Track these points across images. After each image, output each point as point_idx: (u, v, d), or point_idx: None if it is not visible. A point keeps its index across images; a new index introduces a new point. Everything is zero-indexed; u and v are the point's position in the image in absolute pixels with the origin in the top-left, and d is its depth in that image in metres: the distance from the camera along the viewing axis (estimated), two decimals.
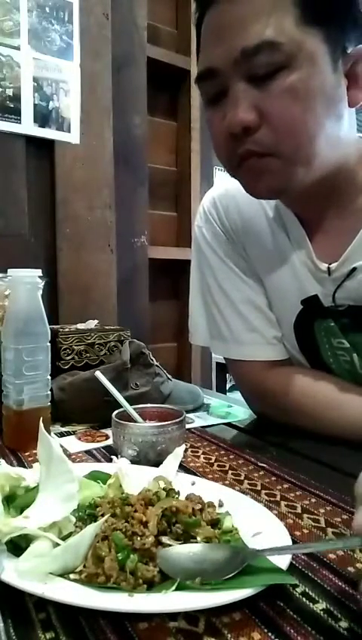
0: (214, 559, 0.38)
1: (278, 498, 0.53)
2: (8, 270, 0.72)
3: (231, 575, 0.36)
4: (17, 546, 0.39)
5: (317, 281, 0.70)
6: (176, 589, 0.35)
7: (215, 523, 0.44)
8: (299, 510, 0.51)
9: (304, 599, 0.36)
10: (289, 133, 0.57)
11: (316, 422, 0.72)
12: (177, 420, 0.65)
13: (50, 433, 0.45)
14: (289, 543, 0.40)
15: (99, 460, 0.66)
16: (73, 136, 1.35)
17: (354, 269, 0.65)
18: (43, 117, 1.29)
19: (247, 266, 0.79)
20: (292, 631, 0.33)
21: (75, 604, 0.33)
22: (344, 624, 0.34)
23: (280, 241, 0.74)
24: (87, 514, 0.44)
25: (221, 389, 2.14)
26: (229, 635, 0.33)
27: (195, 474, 0.60)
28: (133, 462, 0.58)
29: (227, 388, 2.25)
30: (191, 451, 0.69)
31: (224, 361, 0.88)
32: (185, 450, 0.66)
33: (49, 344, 0.72)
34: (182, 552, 0.39)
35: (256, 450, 0.69)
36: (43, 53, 1.28)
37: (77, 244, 1.37)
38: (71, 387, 0.81)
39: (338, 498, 0.53)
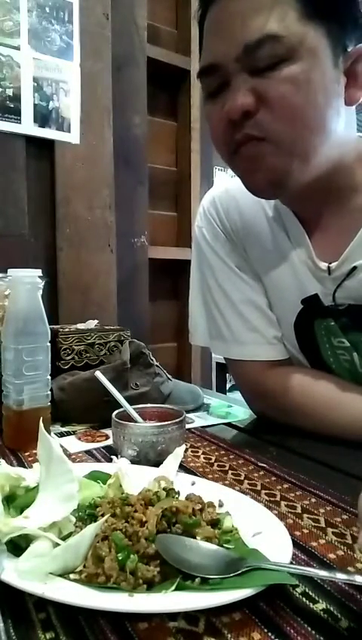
0: (215, 558, 0.38)
1: (278, 498, 0.53)
2: (8, 270, 0.72)
3: (231, 575, 0.36)
4: (17, 546, 0.39)
5: (317, 281, 0.70)
6: (176, 589, 0.35)
7: (215, 523, 0.44)
8: (299, 510, 0.51)
9: (304, 599, 0.36)
10: (287, 119, 0.57)
11: (316, 422, 0.73)
12: (177, 420, 0.65)
13: (50, 433, 0.45)
14: (290, 543, 0.40)
15: (99, 460, 0.66)
16: (73, 136, 1.35)
17: (355, 267, 0.65)
18: (43, 117, 1.29)
19: (247, 266, 0.79)
20: (292, 631, 0.33)
21: (75, 604, 0.33)
22: (344, 624, 0.34)
23: (280, 240, 0.74)
24: (87, 514, 0.44)
25: (221, 389, 2.14)
26: (229, 635, 0.33)
27: (195, 474, 0.60)
28: (133, 462, 0.58)
29: (227, 388, 2.26)
30: (191, 451, 0.69)
31: (224, 361, 0.88)
32: (185, 450, 0.66)
33: (49, 344, 0.72)
34: (183, 543, 0.39)
35: (256, 450, 0.69)
36: (43, 53, 1.28)
37: (77, 244, 1.37)
38: (71, 387, 0.81)
39: (338, 498, 0.53)
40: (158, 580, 0.36)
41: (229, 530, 0.44)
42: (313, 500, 0.53)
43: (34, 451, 0.67)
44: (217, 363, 2.00)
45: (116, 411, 0.67)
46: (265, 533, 0.42)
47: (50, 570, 0.37)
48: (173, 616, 0.34)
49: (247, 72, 0.57)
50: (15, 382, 0.69)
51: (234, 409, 0.93)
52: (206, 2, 0.60)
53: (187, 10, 1.66)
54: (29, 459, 0.65)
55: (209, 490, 0.50)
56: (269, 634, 0.33)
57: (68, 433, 0.78)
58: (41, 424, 0.45)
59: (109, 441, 0.72)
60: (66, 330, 0.94)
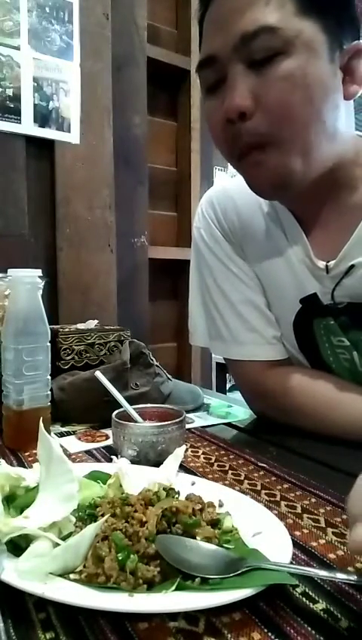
0: (215, 558, 0.38)
1: (278, 498, 0.53)
2: (8, 270, 0.72)
3: (231, 575, 0.36)
4: (17, 546, 0.39)
5: (315, 279, 0.70)
6: (176, 589, 0.35)
7: (215, 523, 0.44)
8: (299, 510, 0.51)
9: (304, 599, 0.36)
10: (284, 120, 0.57)
11: (316, 422, 0.72)
12: (177, 420, 0.65)
13: (50, 433, 0.45)
14: (290, 543, 0.40)
15: (99, 460, 0.66)
16: (73, 136, 1.35)
17: (353, 266, 0.65)
18: (43, 117, 1.29)
19: (246, 266, 0.79)
20: (292, 631, 0.33)
21: (75, 604, 0.33)
22: (344, 624, 0.34)
23: (278, 240, 0.74)
24: (87, 514, 0.44)
25: (221, 389, 2.14)
26: (229, 635, 0.33)
27: (195, 474, 0.60)
28: (133, 462, 0.58)
29: (227, 388, 2.26)
30: (191, 451, 0.69)
31: (224, 361, 0.88)
32: (185, 450, 0.66)
33: (49, 344, 0.72)
34: (183, 543, 0.39)
35: (256, 450, 0.69)
36: (43, 53, 1.28)
37: (77, 244, 1.37)
38: (71, 387, 0.81)
39: (338, 498, 0.53)
40: (158, 579, 0.36)
41: (229, 530, 0.44)
42: (313, 500, 0.53)
43: (34, 451, 0.67)
44: (217, 363, 2.00)
45: (116, 411, 0.67)
46: (265, 533, 0.42)
47: (50, 570, 0.37)
48: (173, 616, 0.34)
49: (244, 63, 0.57)
50: (15, 382, 0.69)
51: (234, 409, 0.93)
52: (205, 1, 0.61)
53: (187, 10, 1.66)
54: (29, 459, 0.65)
55: (209, 490, 0.50)
56: (269, 634, 0.33)
57: (68, 433, 0.78)
58: (41, 424, 0.45)
59: (109, 441, 0.72)
60: (66, 330, 0.94)
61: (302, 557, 0.42)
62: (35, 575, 0.36)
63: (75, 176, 1.36)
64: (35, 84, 1.28)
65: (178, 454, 0.56)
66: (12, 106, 1.24)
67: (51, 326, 0.74)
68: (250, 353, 0.79)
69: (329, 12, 0.57)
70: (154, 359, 0.90)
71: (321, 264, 0.68)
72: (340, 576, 0.36)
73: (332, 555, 0.42)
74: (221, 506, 0.48)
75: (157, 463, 0.58)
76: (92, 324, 1.04)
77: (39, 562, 0.37)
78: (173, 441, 0.63)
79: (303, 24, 0.55)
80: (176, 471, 0.54)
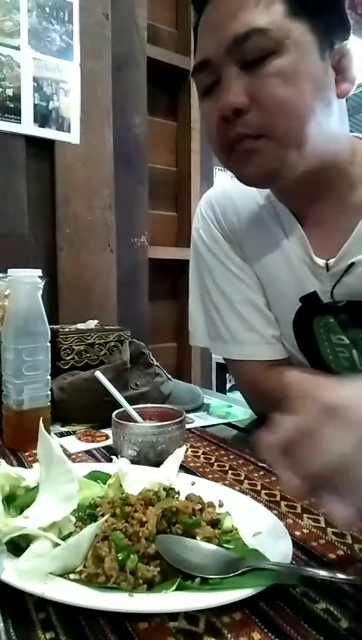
0: (215, 558, 0.38)
1: (278, 498, 0.53)
2: (8, 270, 0.72)
3: (231, 575, 0.36)
4: (17, 546, 0.39)
5: (315, 278, 0.70)
6: (176, 589, 0.35)
7: (215, 523, 0.44)
8: (298, 510, 0.51)
9: (304, 599, 0.36)
10: (278, 115, 0.58)
11: None
12: (177, 419, 0.65)
13: (50, 433, 0.45)
14: (290, 543, 0.40)
15: (99, 460, 0.66)
16: (73, 136, 1.35)
17: (352, 264, 0.65)
18: (43, 117, 1.29)
19: (246, 266, 0.79)
20: (292, 631, 0.33)
21: (75, 604, 0.33)
22: (344, 624, 0.34)
23: (278, 239, 0.74)
24: (87, 514, 0.44)
25: (221, 389, 2.14)
26: (229, 635, 0.33)
27: (195, 474, 0.60)
28: (133, 462, 0.58)
29: (227, 388, 2.25)
30: (191, 451, 0.69)
31: (224, 361, 0.88)
32: (185, 451, 0.66)
33: (49, 344, 0.72)
34: (183, 543, 0.40)
35: (256, 450, 0.68)
36: (43, 53, 1.28)
37: (77, 244, 1.37)
38: (71, 387, 0.81)
39: None
40: (158, 579, 0.36)
41: (229, 530, 0.44)
42: (313, 500, 0.53)
43: (34, 451, 0.67)
44: (217, 363, 2.00)
45: (116, 411, 0.67)
46: (265, 533, 0.42)
47: (50, 570, 0.37)
48: (173, 616, 0.34)
49: (237, 64, 0.58)
50: (15, 382, 0.69)
51: (234, 409, 0.93)
52: (199, 8, 0.63)
53: (187, 10, 1.66)
54: (29, 459, 0.65)
55: (209, 490, 0.50)
56: (269, 634, 0.33)
57: (68, 433, 0.78)
58: (41, 424, 0.45)
59: (109, 441, 0.72)
60: (66, 330, 0.94)
61: (302, 557, 0.42)
62: (35, 575, 0.36)
63: (75, 176, 1.36)
64: (35, 84, 1.28)
65: (178, 454, 0.56)
66: (12, 106, 1.24)
67: (51, 326, 0.74)
68: (249, 353, 0.79)
69: (319, 14, 0.58)
70: (154, 359, 0.90)
71: (321, 262, 0.68)
72: (340, 576, 0.36)
73: (332, 555, 0.42)
74: (221, 506, 0.48)
75: (157, 463, 0.58)
76: (92, 324, 1.04)
77: (39, 562, 0.37)
78: (173, 441, 0.63)
79: (293, 25, 0.57)
80: (176, 471, 0.54)
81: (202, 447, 0.71)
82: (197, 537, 0.41)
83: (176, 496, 0.47)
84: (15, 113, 1.25)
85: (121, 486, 0.49)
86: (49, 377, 0.73)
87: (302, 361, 0.78)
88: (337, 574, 0.36)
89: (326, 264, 0.68)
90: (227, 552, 0.40)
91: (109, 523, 0.40)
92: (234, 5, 0.58)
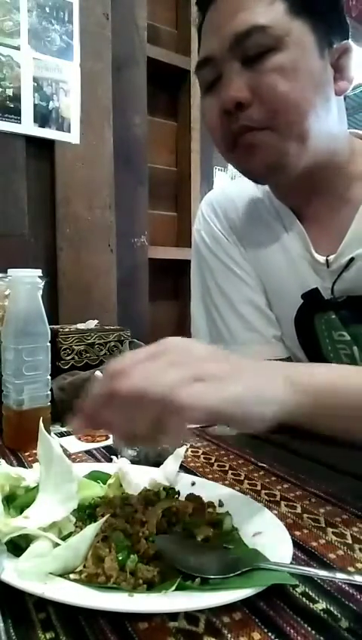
0: (215, 558, 0.38)
1: (278, 498, 0.53)
2: (8, 270, 0.72)
3: (231, 575, 0.36)
4: (17, 546, 0.39)
5: (316, 274, 0.71)
6: (176, 589, 0.35)
7: (215, 523, 0.44)
8: (299, 510, 0.51)
9: (304, 599, 0.36)
10: (279, 108, 0.60)
11: None
12: None
13: (50, 433, 0.45)
14: (290, 542, 0.40)
15: (99, 460, 0.66)
16: (73, 136, 1.35)
17: (352, 259, 0.66)
18: (43, 117, 1.29)
19: (247, 266, 0.80)
20: (292, 631, 0.33)
21: (75, 604, 0.33)
22: (344, 624, 0.34)
23: (279, 236, 0.75)
24: (87, 514, 0.44)
25: None
26: (229, 635, 0.33)
27: (195, 474, 0.60)
28: (133, 462, 0.58)
29: None
30: (191, 451, 0.69)
31: None
32: (185, 451, 0.66)
33: (49, 344, 0.72)
34: (183, 543, 0.40)
35: (256, 450, 0.68)
36: (43, 53, 1.29)
37: (77, 244, 1.37)
38: (71, 387, 0.81)
39: (338, 498, 0.53)
40: (158, 580, 0.36)
41: (229, 530, 0.44)
42: (313, 500, 0.53)
43: (34, 451, 0.67)
44: None
45: None
46: (265, 533, 0.42)
47: (50, 570, 0.37)
48: (173, 616, 0.34)
49: (238, 60, 0.60)
50: (15, 382, 0.69)
51: None
52: (203, 9, 0.65)
53: (187, 10, 1.67)
54: (29, 459, 0.65)
55: (209, 490, 0.50)
56: (269, 634, 0.33)
57: (68, 433, 0.78)
58: (41, 424, 0.45)
59: (109, 441, 0.72)
60: (66, 330, 0.94)
61: (302, 557, 0.42)
62: (35, 575, 0.36)
63: (75, 176, 1.36)
64: (35, 84, 1.28)
65: (178, 454, 0.56)
66: (12, 106, 1.24)
67: (51, 326, 0.74)
68: (250, 353, 0.79)
69: (318, 13, 0.60)
70: None
71: (321, 259, 0.69)
72: (340, 576, 0.36)
73: (332, 555, 0.42)
74: (221, 506, 0.48)
75: (157, 463, 0.58)
76: (92, 324, 1.05)
77: (39, 562, 0.37)
78: None
79: (293, 24, 0.59)
80: (176, 471, 0.54)
81: (202, 447, 0.71)
82: (197, 537, 0.41)
83: (176, 496, 0.47)
84: (15, 113, 1.25)
85: (121, 486, 0.49)
86: (49, 377, 0.73)
87: (302, 359, 0.78)
88: (337, 574, 0.36)
89: (327, 260, 0.69)
90: (227, 552, 0.40)
91: (109, 523, 0.40)
92: (235, 5, 0.60)
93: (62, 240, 1.35)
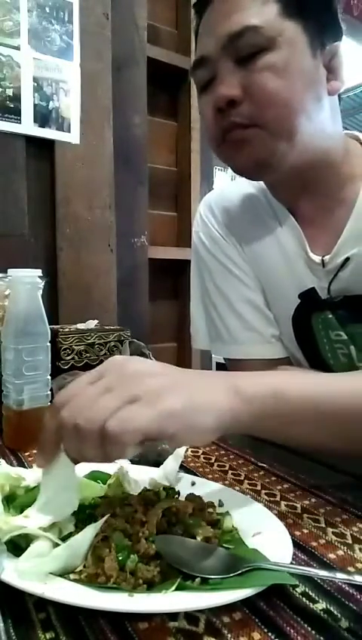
0: (215, 558, 0.38)
1: (278, 498, 0.53)
2: (8, 270, 0.72)
3: (231, 575, 0.36)
4: (17, 546, 0.39)
5: (312, 274, 0.71)
6: (176, 589, 0.35)
7: (215, 523, 0.44)
8: (299, 510, 0.51)
9: (304, 599, 0.36)
10: (269, 106, 0.61)
11: None
12: None
13: None
14: (290, 542, 0.40)
15: None
16: (73, 136, 1.35)
17: (348, 258, 0.67)
18: (43, 117, 1.29)
19: (245, 266, 0.80)
20: (292, 631, 0.33)
21: (75, 604, 0.33)
22: (344, 624, 0.34)
23: (276, 237, 0.75)
24: (87, 514, 0.44)
25: None
26: (229, 635, 0.33)
27: (195, 474, 0.60)
28: (133, 462, 0.58)
29: None
30: (191, 451, 0.69)
31: (224, 362, 0.88)
32: (185, 451, 0.66)
33: (49, 344, 0.72)
34: (183, 543, 0.40)
35: (256, 450, 0.69)
36: (43, 53, 1.28)
37: (77, 244, 1.37)
38: None
39: (338, 498, 0.53)
40: (158, 579, 0.36)
41: (229, 530, 0.44)
42: (313, 500, 0.53)
43: (34, 451, 0.67)
44: (217, 363, 1.99)
45: None
46: (265, 533, 0.42)
47: (50, 570, 0.37)
48: (173, 616, 0.34)
49: (232, 60, 0.61)
50: (15, 382, 0.69)
51: None
52: (200, 12, 0.66)
53: (187, 10, 1.66)
54: (29, 459, 0.65)
55: (209, 490, 0.50)
56: (269, 634, 0.33)
57: None
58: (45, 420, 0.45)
59: None
60: (66, 330, 0.94)
61: (302, 557, 0.42)
62: (35, 575, 0.36)
63: (75, 176, 1.36)
64: (35, 84, 1.28)
65: (178, 454, 0.56)
66: (12, 106, 1.24)
67: (51, 326, 0.74)
68: (249, 352, 0.79)
69: (312, 14, 0.61)
70: (154, 359, 0.90)
71: (317, 258, 0.70)
72: (340, 576, 0.36)
73: (332, 555, 0.42)
74: (221, 505, 0.48)
75: (157, 463, 0.58)
76: (92, 324, 1.04)
77: (39, 562, 0.37)
78: None
79: (286, 24, 0.60)
80: (176, 471, 0.54)
81: (202, 447, 0.71)
82: (198, 537, 0.41)
83: (176, 496, 0.47)
84: (15, 113, 1.25)
85: (121, 486, 0.49)
86: (49, 377, 0.73)
87: (300, 360, 0.79)
88: (337, 574, 0.36)
89: (322, 260, 0.69)
90: (227, 552, 0.40)
91: (109, 523, 0.40)
92: (230, 6, 0.61)
93: (62, 240, 1.35)
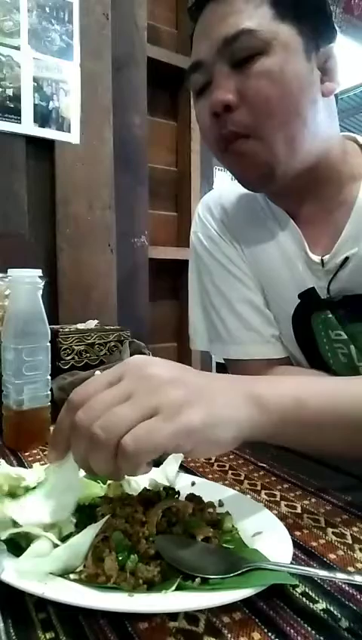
0: (215, 558, 0.38)
1: (278, 498, 0.53)
2: (8, 270, 0.72)
3: (231, 575, 0.36)
4: (17, 545, 0.39)
5: (312, 274, 0.71)
6: (176, 589, 0.35)
7: (215, 523, 0.44)
8: (299, 510, 0.51)
9: (304, 599, 0.36)
10: (265, 112, 0.61)
11: None
12: None
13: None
14: (290, 542, 0.40)
15: None
16: (73, 136, 1.35)
17: (347, 258, 0.67)
18: (43, 117, 1.29)
19: (244, 266, 0.80)
20: (292, 631, 0.33)
21: (75, 604, 0.33)
22: (344, 624, 0.34)
23: (275, 237, 0.75)
24: (87, 514, 0.44)
25: None
26: (229, 635, 0.33)
27: (195, 474, 0.60)
28: None
29: None
30: None
31: (224, 362, 0.88)
32: None
33: (49, 344, 0.72)
34: (183, 543, 0.40)
35: (256, 450, 0.69)
36: (43, 53, 1.28)
37: (77, 244, 1.37)
38: (71, 387, 0.81)
39: (338, 498, 0.53)
40: (158, 579, 0.36)
41: (229, 530, 0.44)
42: (313, 500, 0.53)
43: (34, 451, 0.67)
44: (217, 363, 1.99)
45: None
46: (265, 533, 0.42)
47: (50, 570, 0.37)
48: (173, 616, 0.34)
49: (227, 64, 0.62)
50: (15, 382, 0.69)
51: None
52: (195, 18, 0.66)
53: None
54: (29, 459, 0.65)
55: (209, 490, 0.50)
56: (269, 634, 0.33)
57: None
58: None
59: None
60: (66, 330, 0.94)
61: (302, 557, 0.42)
62: (35, 575, 0.36)
63: (75, 176, 1.36)
64: (35, 84, 1.28)
65: (178, 454, 0.56)
66: (12, 106, 1.24)
67: (51, 326, 0.74)
68: (248, 352, 0.79)
69: (305, 17, 0.62)
70: None
71: (316, 258, 0.70)
72: (340, 576, 0.36)
73: (332, 555, 0.42)
74: (221, 505, 0.48)
75: (157, 463, 0.58)
76: (92, 324, 1.05)
77: (39, 562, 0.37)
78: None
79: (280, 28, 0.60)
80: (176, 471, 0.54)
81: None
82: (197, 537, 0.41)
83: (176, 496, 0.47)
84: (15, 113, 1.25)
85: (121, 486, 0.49)
86: (49, 377, 0.73)
87: (300, 360, 0.79)
88: (337, 574, 0.36)
89: (322, 260, 0.69)
90: (227, 552, 0.40)
91: (109, 523, 0.40)
92: (224, 11, 0.62)
93: (62, 240, 1.35)
